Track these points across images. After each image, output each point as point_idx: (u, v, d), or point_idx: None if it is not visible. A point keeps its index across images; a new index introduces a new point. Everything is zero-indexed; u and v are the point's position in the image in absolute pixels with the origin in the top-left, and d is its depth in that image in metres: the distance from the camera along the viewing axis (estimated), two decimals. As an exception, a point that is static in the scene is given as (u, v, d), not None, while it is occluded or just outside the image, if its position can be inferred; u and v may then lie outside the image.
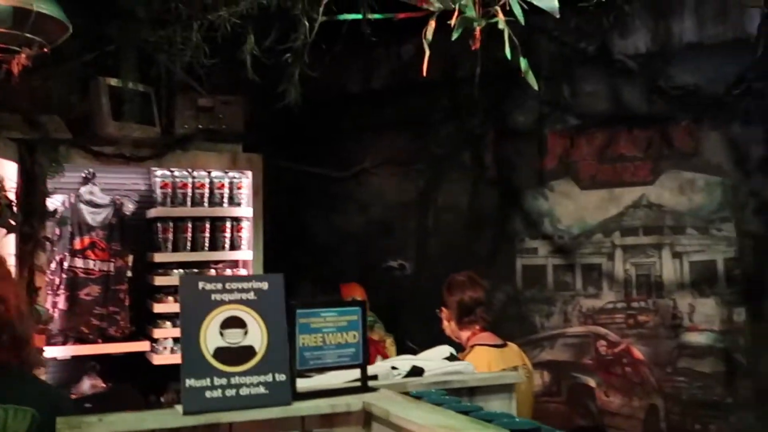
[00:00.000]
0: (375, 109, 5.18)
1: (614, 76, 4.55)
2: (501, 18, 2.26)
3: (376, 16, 3.43)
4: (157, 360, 4.75)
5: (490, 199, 4.91)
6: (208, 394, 1.81)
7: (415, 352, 2.70)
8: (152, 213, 4.90)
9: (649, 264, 4.51)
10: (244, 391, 1.85)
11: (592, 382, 4.61)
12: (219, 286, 1.90)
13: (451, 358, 2.48)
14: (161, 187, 4.87)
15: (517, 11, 2.20)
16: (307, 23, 3.47)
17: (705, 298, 4.37)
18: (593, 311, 4.63)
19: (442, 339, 3.33)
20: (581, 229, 4.69)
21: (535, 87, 2.28)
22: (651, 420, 4.43)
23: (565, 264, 4.72)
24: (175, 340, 4.78)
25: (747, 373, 4.25)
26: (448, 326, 3.41)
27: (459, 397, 2.05)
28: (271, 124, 4.91)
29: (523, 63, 2.27)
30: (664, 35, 4.45)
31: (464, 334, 3.35)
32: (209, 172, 4.99)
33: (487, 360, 3.13)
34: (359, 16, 3.46)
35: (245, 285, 1.91)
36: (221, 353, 1.85)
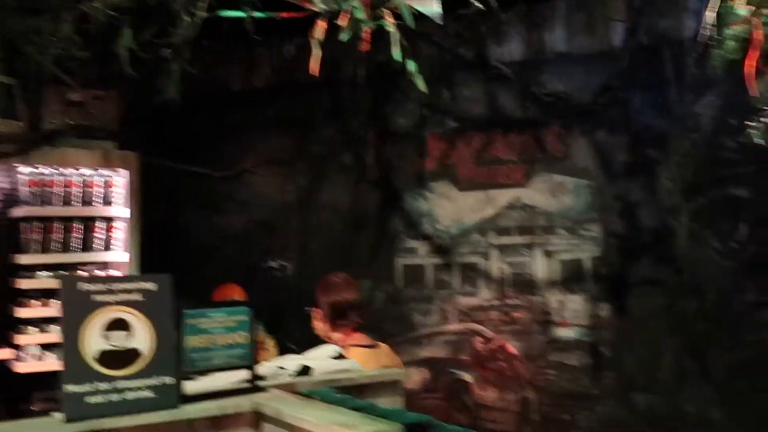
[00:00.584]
0: (256, 108, 5.12)
1: (491, 82, 4.71)
2: (390, 21, 2.30)
3: (259, 14, 3.38)
4: (22, 368, 4.47)
5: (370, 200, 4.96)
6: (90, 399, 1.74)
7: (296, 354, 2.68)
8: (17, 212, 4.61)
9: (522, 263, 4.71)
10: (129, 396, 1.79)
11: (468, 378, 4.75)
12: (102, 287, 1.82)
13: (338, 357, 2.49)
14: (27, 186, 4.60)
15: (407, 15, 2.24)
16: (188, 18, 3.39)
17: (573, 294, 4.60)
18: (470, 309, 4.78)
19: (321, 340, 3.33)
20: (459, 230, 4.82)
21: (424, 89, 2.33)
22: (524, 412, 4.63)
23: (443, 263, 4.84)
24: (43, 347, 4.52)
25: (610, 364, 4.52)
26: (321, 327, 3.40)
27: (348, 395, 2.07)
28: (148, 121, 4.75)
29: (412, 66, 2.32)
30: (537, 44, 4.66)
31: (336, 336, 3.35)
32: (79, 170, 4.75)
33: (361, 361, 3.15)
34: (241, 14, 3.41)
35: (130, 286, 1.85)
36: (105, 357, 1.78)
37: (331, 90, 4.87)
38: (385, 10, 2.31)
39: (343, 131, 4.98)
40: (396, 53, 2.26)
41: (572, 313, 4.60)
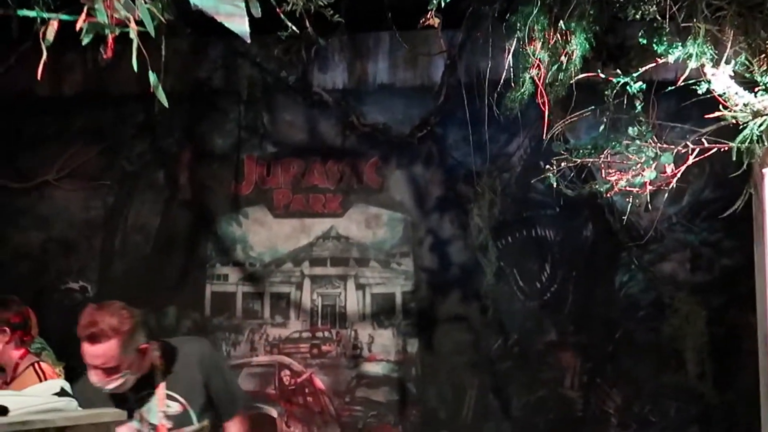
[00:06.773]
0: (64, 117, 4.75)
1: (311, 108, 4.61)
2: (133, 27, 2.11)
3: (64, 17, 3.11)
4: None
5: (182, 222, 4.70)
6: None
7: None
8: None
9: (334, 294, 4.59)
10: None
11: (274, 412, 4.55)
12: None
13: (62, 393, 2.24)
14: None
15: (148, 22, 2.07)
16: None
17: (383, 329, 4.53)
18: (279, 340, 4.60)
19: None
20: (272, 257, 4.65)
21: (165, 104, 2.15)
22: (329, 449, 4.48)
23: (254, 292, 4.65)
24: None
25: (416, 401, 4.46)
26: None
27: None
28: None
29: (152, 78, 2.14)
30: (360, 74, 4.60)
31: None
32: None
33: None
34: (33, 14, 3.12)
35: None
36: None
37: (145, 103, 4.59)
38: (130, 16, 2.12)
39: (155, 148, 4.70)
40: (134, 63, 2.07)
41: (381, 348, 4.52)
